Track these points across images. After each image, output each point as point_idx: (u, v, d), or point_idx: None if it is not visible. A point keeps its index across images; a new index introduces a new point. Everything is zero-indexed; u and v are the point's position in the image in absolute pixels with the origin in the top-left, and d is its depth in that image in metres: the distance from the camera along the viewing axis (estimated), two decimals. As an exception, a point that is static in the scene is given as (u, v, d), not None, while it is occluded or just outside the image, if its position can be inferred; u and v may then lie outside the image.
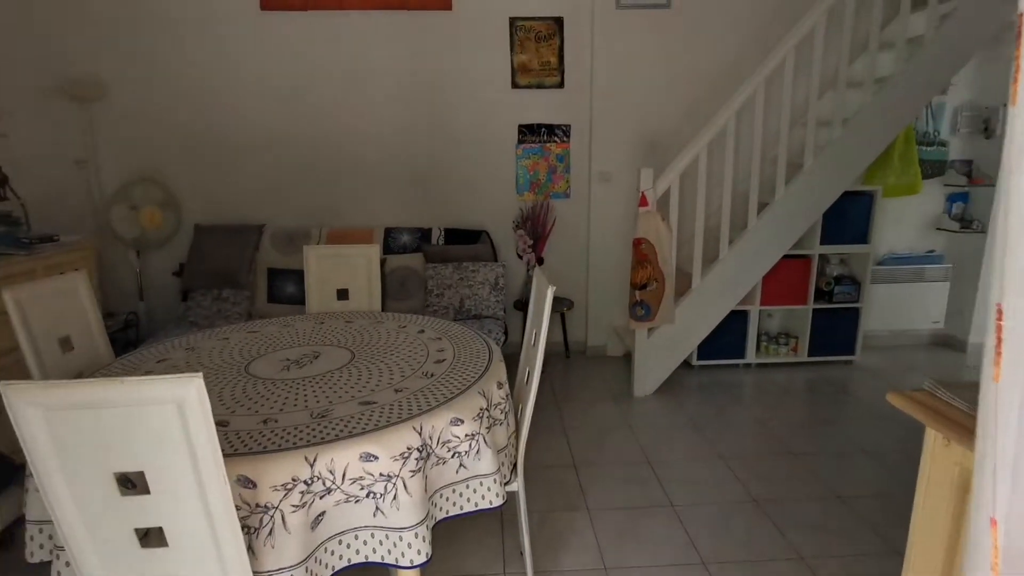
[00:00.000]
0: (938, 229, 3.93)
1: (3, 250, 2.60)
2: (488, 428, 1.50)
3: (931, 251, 3.95)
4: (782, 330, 3.85)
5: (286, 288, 3.53)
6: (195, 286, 3.40)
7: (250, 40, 3.54)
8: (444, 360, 1.73)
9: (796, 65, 3.05)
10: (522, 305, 3.74)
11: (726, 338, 3.55)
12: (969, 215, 3.82)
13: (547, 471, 2.58)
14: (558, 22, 3.62)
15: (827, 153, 3.10)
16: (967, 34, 2.95)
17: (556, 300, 3.75)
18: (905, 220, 3.91)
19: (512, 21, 3.61)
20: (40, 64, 3.25)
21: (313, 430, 1.30)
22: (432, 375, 1.61)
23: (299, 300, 3.51)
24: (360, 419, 1.35)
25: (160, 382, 0.91)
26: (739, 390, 3.39)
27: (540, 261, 3.77)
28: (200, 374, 0.93)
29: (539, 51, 3.66)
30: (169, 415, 0.93)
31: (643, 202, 3.04)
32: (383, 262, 3.52)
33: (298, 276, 3.51)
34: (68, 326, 1.78)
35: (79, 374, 1.79)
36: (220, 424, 1.32)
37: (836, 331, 3.66)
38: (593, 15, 3.56)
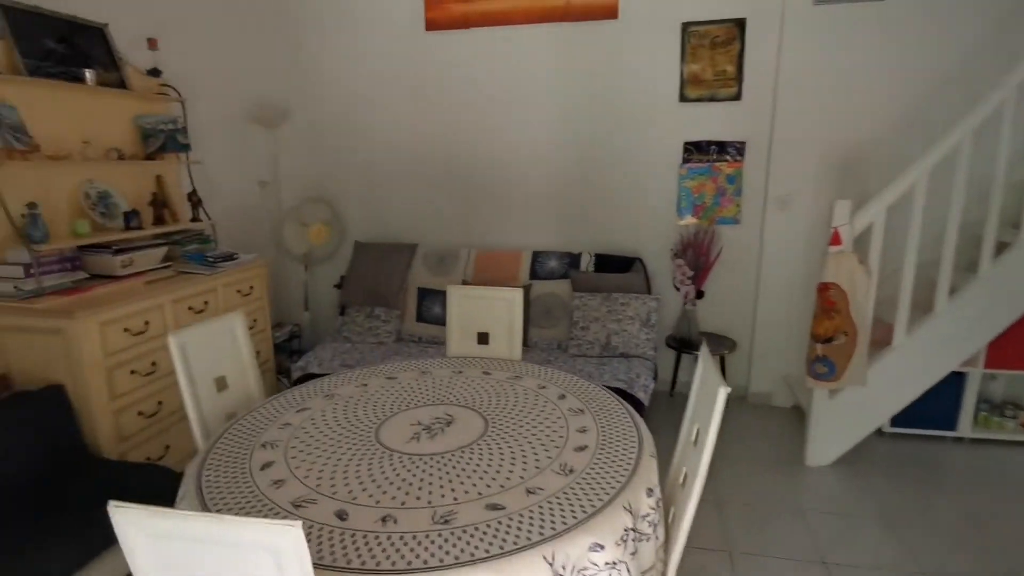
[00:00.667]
0: None
1: (192, 268, 2.85)
2: (634, 552, 1.25)
3: None
4: (1009, 398, 3.07)
5: (434, 308, 3.53)
6: (351, 302, 3.54)
7: (413, 62, 3.58)
8: (586, 447, 1.51)
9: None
10: (675, 343, 3.38)
11: (932, 402, 2.88)
12: None
13: (694, 555, 2.25)
14: (739, 25, 3.18)
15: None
16: None
17: (716, 339, 3.35)
18: None
19: (685, 27, 3.24)
20: (232, 94, 3.55)
21: (432, 541, 1.15)
22: (571, 470, 1.40)
23: (445, 322, 3.49)
24: (485, 533, 1.17)
25: (257, 527, 0.81)
26: (947, 473, 2.74)
27: (700, 294, 3.38)
28: (299, 523, 0.81)
29: (714, 59, 3.25)
30: (263, 561, 0.82)
31: (835, 240, 2.54)
32: (528, 288, 3.39)
33: (445, 298, 3.50)
34: (224, 366, 1.85)
35: (231, 415, 1.85)
36: (339, 516, 1.23)
37: (1096, 410, 2.82)
38: (783, 15, 3.07)
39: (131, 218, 2.68)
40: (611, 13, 3.32)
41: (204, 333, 1.78)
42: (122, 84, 2.74)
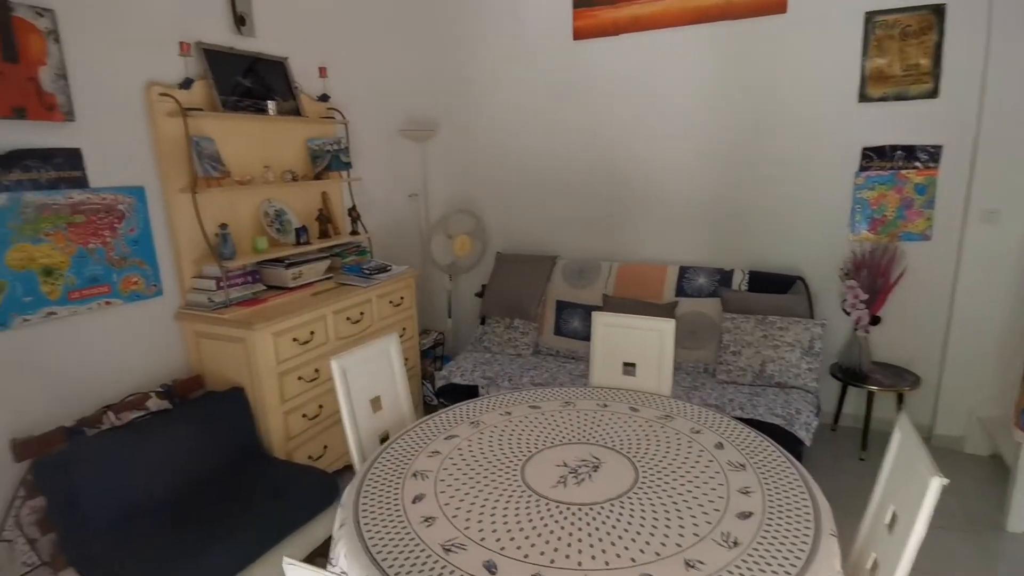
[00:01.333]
0: None
1: (351, 280, 3.05)
2: (810, 653, 1.10)
3: None
4: None
5: (572, 322, 3.48)
6: (491, 313, 3.59)
7: (559, 72, 3.54)
8: (751, 515, 1.36)
9: None
10: (842, 373, 3.02)
11: None
12: None
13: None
14: (937, 12, 2.74)
15: None
16: None
17: (893, 371, 2.95)
18: None
19: (869, 17, 2.86)
20: (387, 111, 3.75)
21: (584, 613, 1.09)
22: (735, 542, 1.26)
23: (584, 335, 3.43)
24: (640, 611, 1.09)
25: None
26: None
27: (875, 320, 2.98)
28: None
29: (904, 52, 2.83)
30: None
31: (1067, 272, 2.09)
32: (673, 306, 3.21)
33: (585, 312, 3.43)
34: (379, 386, 1.93)
35: (385, 436, 1.94)
36: (488, 569, 1.21)
37: None
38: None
39: (301, 234, 2.92)
40: (779, 7, 3.02)
41: (362, 357, 1.87)
42: (297, 111, 2.99)
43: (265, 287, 2.80)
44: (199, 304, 2.58)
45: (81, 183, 2.20)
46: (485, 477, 1.54)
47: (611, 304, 3.32)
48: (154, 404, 2.34)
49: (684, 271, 3.30)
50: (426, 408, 3.61)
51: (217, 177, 2.58)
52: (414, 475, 1.57)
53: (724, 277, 3.21)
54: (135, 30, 2.35)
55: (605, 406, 1.93)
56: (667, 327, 2.03)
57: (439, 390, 3.23)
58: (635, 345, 2.09)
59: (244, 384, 2.53)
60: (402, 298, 3.28)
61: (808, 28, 2.97)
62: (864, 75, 2.92)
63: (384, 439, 1.93)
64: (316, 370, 2.71)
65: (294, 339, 2.58)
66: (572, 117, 3.57)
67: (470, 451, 1.68)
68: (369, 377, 1.89)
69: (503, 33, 3.62)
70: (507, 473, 1.56)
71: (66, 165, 2.15)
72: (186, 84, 2.50)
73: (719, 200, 3.32)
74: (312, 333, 2.67)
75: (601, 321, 2.14)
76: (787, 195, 3.16)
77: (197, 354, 2.63)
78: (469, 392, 3.11)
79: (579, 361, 3.30)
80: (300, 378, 2.63)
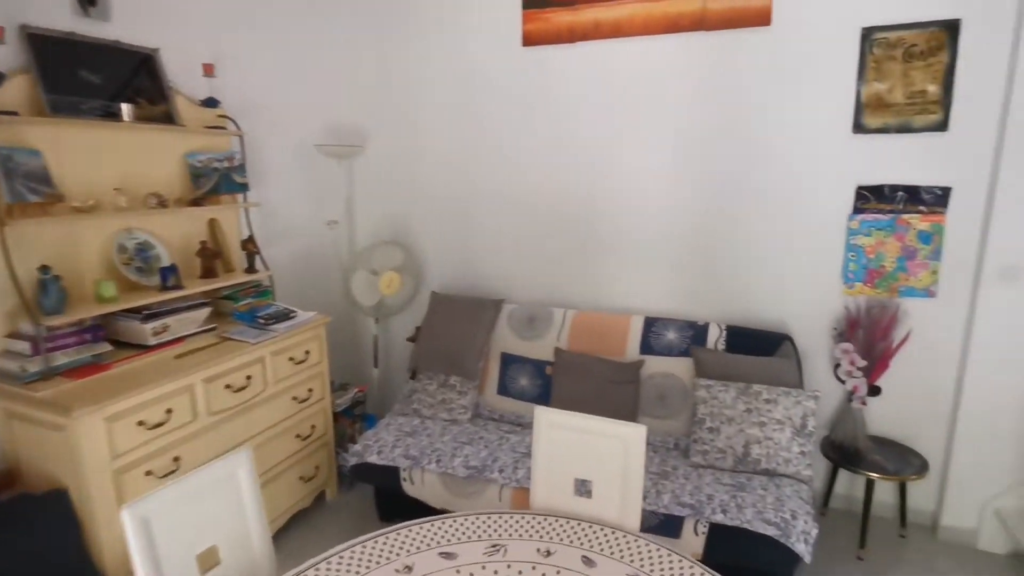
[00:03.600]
0: None
1: (238, 334, 2.41)
2: None
3: None
4: None
5: (519, 380, 2.91)
6: (424, 367, 2.98)
7: (510, 84, 3.00)
8: None
9: None
10: (833, 450, 2.54)
11: None
12: None
13: None
14: (950, 28, 2.32)
15: None
16: None
17: (894, 450, 2.51)
18: None
19: (866, 34, 2.42)
20: (301, 123, 3.14)
21: None
22: None
23: (532, 397, 2.87)
24: None
25: None
26: None
27: (874, 391, 2.51)
28: None
29: (908, 75, 2.40)
30: None
31: None
32: (640, 365, 2.68)
33: (535, 368, 2.88)
34: (216, 532, 1.31)
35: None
36: None
37: None
38: (1021, 14, 2.18)
39: (168, 275, 2.27)
40: (762, 19, 2.56)
41: (183, 495, 1.25)
42: (170, 118, 2.35)
43: (112, 346, 2.14)
44: (10, 374, 1.91)
45: None
46: None
47: (564, 360, 2.77)
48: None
49: (651, 323, 2.78)
50: (340, 481, 2.97)
51: (40, 202, 1.92)
52: None
53: (698, 333, 2.70)
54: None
55: (548, 555, 1.36)
56: (635, 435, 1.47)
57: (353, 469, 2.60)
58: (592, 456, 1.53)
59: (68, 484, 1.86)
60: (307, 352, 2.66)
61: (796, 45, 2.52)
62: (860, 102, 2.48)
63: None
64: (176, 459, 2.05)
65: (140, 423, 1.92)
66: (522, 137, 3.03)
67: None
68: (196, 521, 1.27)
69: (444, 31, 3.07)
70: None
71: None
72: (-7, 79, 1.85)
73: (692, 240, 2.83)
74: (169, 412, 2.02)
75: (546, 420, 1.57)
76: (771, 238, 2.69)
77: (11, 441, 1.95)
78: (387, 475, 2.50)
79: (526, 430, 2.73)
80: (150, 473, 1.97)
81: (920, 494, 2.63)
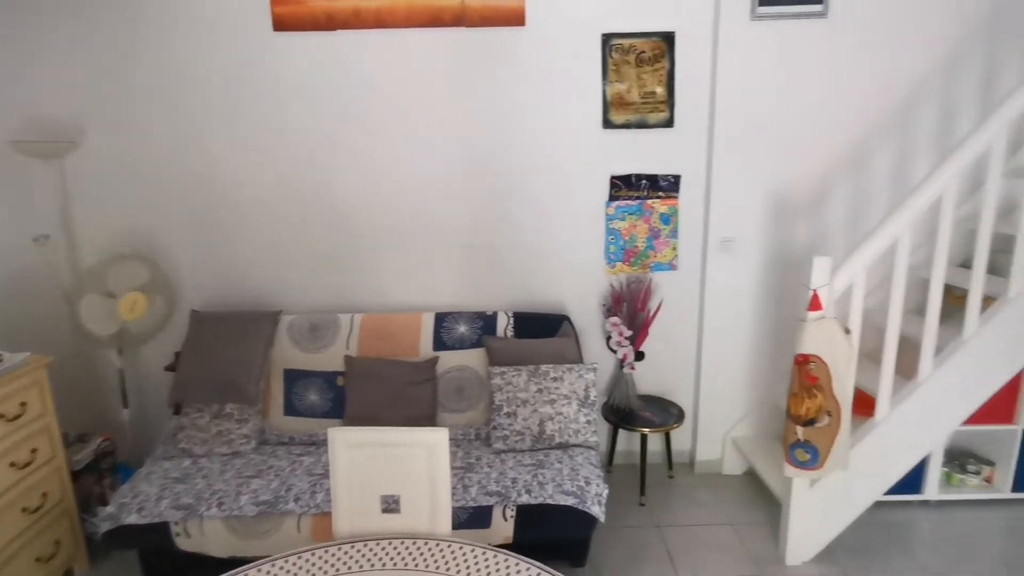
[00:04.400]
0: None
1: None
2: None
3: None
4: (969, 450, 2.86)
5: (308, 396, 2.69)
6: (190, 398, 2.57)
7: (262, 72, 2.70)
8: None
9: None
10: (613, 415, 2.83)
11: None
12: None
13: None
14: (667, 39, 2.70)
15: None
16: None
17: (659, 405, 2.86)
18: None
19: (606, 40, 2.70)
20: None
21: None
22: None
23: (325, 412, 2.68)
24: None
25: None
26: (933, 553, 2.43)
27: (640, 356, 2.85)
28: None
29: (641, 78, 2.74)
30: None
31: (815, 304, 2.10)
32: (435, 361, 2.66)
33: (325, 380, 2.68)
34: None
35: None
36: None
37: (1050, 457, 2.67)
38: (717, 29, 2.63)
39: None
40: (517, 19, 2.69)
41: None
42: None
43: None
44: None
45: None
46: None
47: (357, 368, 2.63)
48: None
49: (442, 319, 2.78)
50: (91, 555, 2.42)
51: None
52: None
53: (488, 323, 2.77)
54: None
55: (360, 585, 1.25)
56: (438, 439, 1.43)
57: (106, 537, 2.13)
58: (396, 469, 1.45)
59: None
60: (24, 404, 2.10)
61: (549, 46, 2.71)
62: (606, 100, 2.77)
63: None
64: None
65: None
66: (284, 130, 2.77)
67: None
68: None
69: (177, 13, 2.64)
70: None
71: None
72: None
73: (473, 234, 2.89)
74: None
75: (342, 440, 1.44)
76: (543, 226, 2.87)
77: None
78: (154, 534, 2.10)
79: (321, 448, 2.53)
80: None
81: (681, 439, 3.07)
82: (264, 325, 2.72)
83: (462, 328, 2.76)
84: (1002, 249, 2.40)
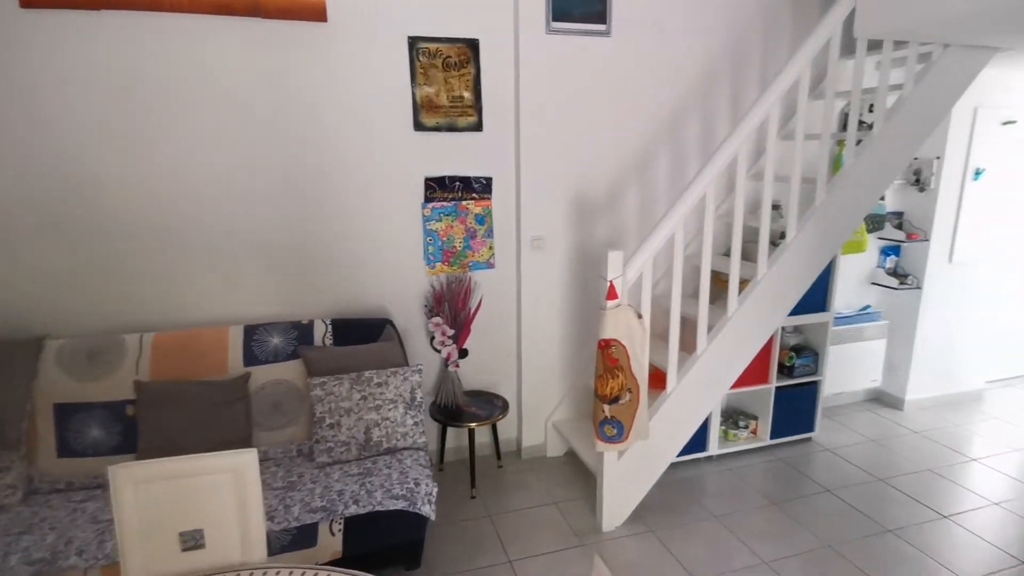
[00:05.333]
0: (873, 284, 3.74)
1: None
2: None
3: (866, 307, 3.76)
4: (738, 408, 3.40)
5: (88, 432, 2.32)
6: (-83, 454, 2.07)
7: (3, 53, 2.26)
8: None
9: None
10: (440, 413, 2.87)
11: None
12: (902, 269, 3.66)
13: None
14: (472, 46, 2.80)
15: (814, 220, 2.62)
16: (943, 90, 2.64)
17: (485, 399, 2.96)
18: (842, 276, 3.65)
19: (412, 42, 2.71)
20: None
21: None
22: None
23: (112, 448, 2.35)
24: None
25: None
26: (717, 499, 2.84)
27: (464, 353, 2.93)
28: None
29: (448, 82, 2.80)
30: None
31: (612, 294, 2.34)
32: (246, 378, 2.47)
33: (110, 412, 2.35)
34: None
35: None
36: None
37: (796, 407, 3.28)
38: (517, 39, 2.79)
39: None
40: (317, 14, 2.59)
41: None
42: None
43: None
44: None
45: None
46: None
47: (150, 394, 2.33)
48: None
49: (252, 331, 2.58)
50: None
51: None
52: None
53: (304, 332, 2.64)
54: None
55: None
56: (246, 461, 1.33)
57: None
58: (198, 500, 1.31)
59: None
60: None
61: (355, 45, 2.64)
62: (416, 103, 2.78)
63: None
64: None
65: None
66: (45, 125, 2.35)
67: None
68: None
69: None
70: None
71: None
72: None
73: (283, 239, 2.72)
74: None
75: (126, 477, 1.27)
76: (359, 230, 2.81)
77: None
78: None
79: (108, 491, 2.20)
80: None
81: (508, 428, 3.22)
82: (21, 354, 2.29)
83: (275, 340, 2.59)
84: (753, 240, 2.88)
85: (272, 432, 2.51)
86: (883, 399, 3.85)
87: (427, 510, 2.15)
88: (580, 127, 2.93)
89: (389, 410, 2.47)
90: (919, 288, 3.55)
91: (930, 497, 2.84)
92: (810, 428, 3.33)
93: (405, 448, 2.47)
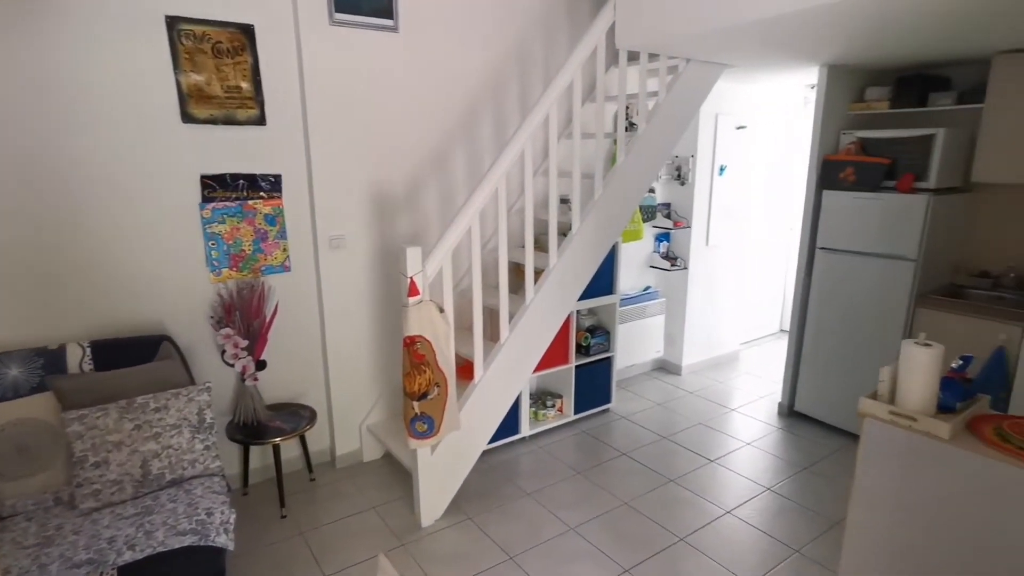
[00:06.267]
0: (651, 267, 4.24)
1: None
2: None
3: (647, 288, 4.25)
4: (545, 389, 3.63)
5: None
6: None
7: None
8: None
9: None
10: (240, 432, 2.63)
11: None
12: (672, 253, 4.20)
13: None
14: (246, 32, 2.58)
15: (595, 212, 2.87)
16: (689, 97, 3.07)
17: (293, 413, 2.79)
18: (624, 262, 4.08)
19: (172, 23, 2.42)
20: None
21: None
22: None
23: None
24: None
25: None
26: (530, 477, 3.00)
27: (262, 365, 2.71)
28: None
29: (221, 71, 2.56)
30: None
31: (413, 291, 2.34)
32: (-29, 425, 2.01)
33: None
34: None
35: None
36: None
37: (595, 382, 3.59)
38: (298, 29, 2.64)
39: None
40: (46, -17, 2.18)
41: None
42: None
43: None
44: None
45: None
46: None
47: None
48: None
49: (-23, 366, 2.11)
50: None
51: None
52: None
53: (52, 359, 2.22)
54: None
55: None
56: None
57: None
58: None
59: None
60: None
61: (99, 23, 2.28)
62: (183, 92, 2.49)
63: None
64: None
65: None
66: None
67: None
68: None
69: None
70: None
71: None
72: None
73: (20, 254, 2.26)
74: None
75: None
76: (122, 234, 2.44)
77: None
78: None
79: None
80: None
81: (319, 439, 3.06)
82: None
83: (14, 371, 2.15)
84: (546, 232, 3.09)
85: (17, 482, 2.08)
86: (666, 367, 4.40)
87: (223, 540, 1.95)
88: (375, 123, 2.87)
89: (172, 437, 2.20)
90: (686, 269, 4.11)
91: (701, 446, 3.31)
92: (607, 400, 3.68)
93: (195, 476, 2.22)
